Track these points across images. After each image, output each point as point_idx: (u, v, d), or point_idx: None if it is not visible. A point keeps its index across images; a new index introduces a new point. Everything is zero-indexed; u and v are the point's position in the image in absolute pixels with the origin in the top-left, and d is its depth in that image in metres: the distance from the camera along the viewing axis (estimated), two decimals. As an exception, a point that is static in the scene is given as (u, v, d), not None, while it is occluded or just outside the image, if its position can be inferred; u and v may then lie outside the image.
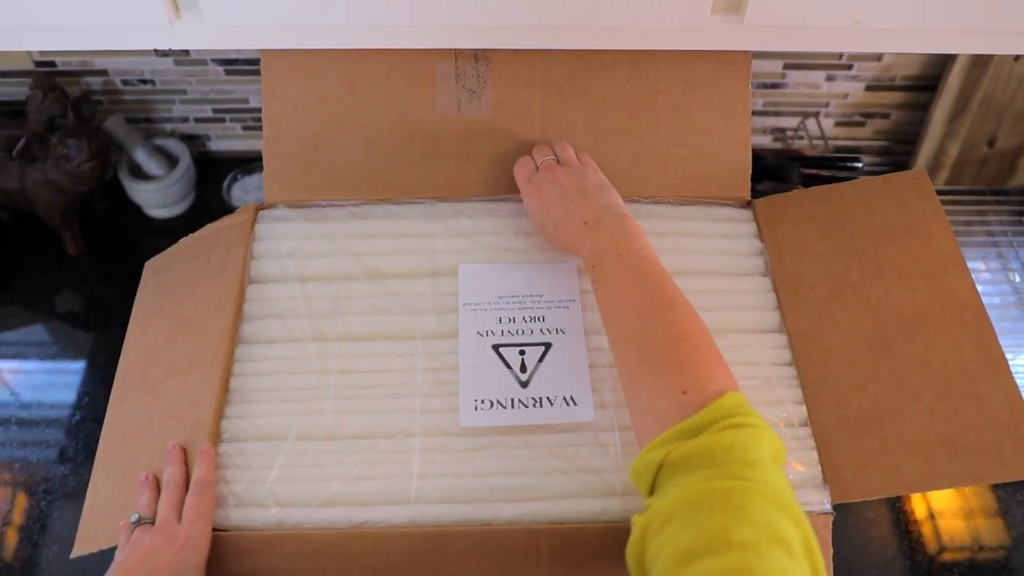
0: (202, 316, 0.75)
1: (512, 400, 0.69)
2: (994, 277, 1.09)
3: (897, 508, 0.85)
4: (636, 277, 0.65)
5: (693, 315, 0.62)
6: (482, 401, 0.69)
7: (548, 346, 0.73)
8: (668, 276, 0.65)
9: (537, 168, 0.77)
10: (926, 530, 0.84)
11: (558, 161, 0.77)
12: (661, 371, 0.58)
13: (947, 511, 0.85)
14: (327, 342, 0.73)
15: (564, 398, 0.69)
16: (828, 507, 0.64)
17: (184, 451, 0.67)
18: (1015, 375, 0.67)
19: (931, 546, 0.83)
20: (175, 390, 0.72)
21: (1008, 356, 0.68)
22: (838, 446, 0.66)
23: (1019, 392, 0.65)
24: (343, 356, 0.73)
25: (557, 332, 0.73)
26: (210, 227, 0.83)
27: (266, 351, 0.73)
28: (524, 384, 0.70)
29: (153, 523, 0.64)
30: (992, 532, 0.84)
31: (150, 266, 0.86)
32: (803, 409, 0.69)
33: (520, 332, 0.73)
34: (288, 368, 0.72)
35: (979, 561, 0.82)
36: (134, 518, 0.64)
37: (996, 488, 0.87)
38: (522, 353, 0.72)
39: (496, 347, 0.72)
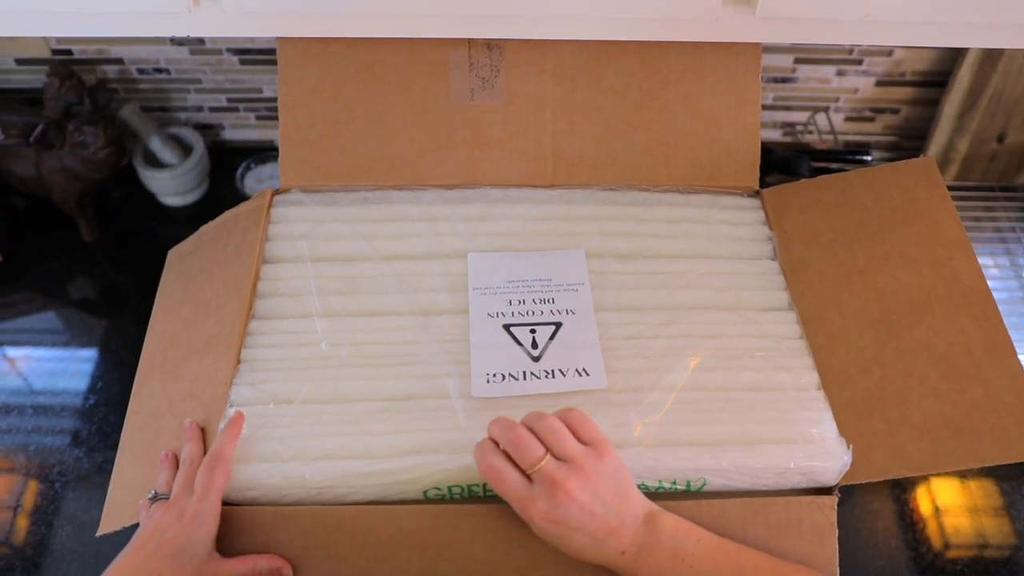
0: (219, 298, 0.76)
1: (524, 372, 0.69)
2: (1002, 272, 1.09)
3: (902, 500, 0.86)
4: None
5: (808, 573, 0.60)
6: (494, 375, 0.69)
7: (559, 325, 0.73)
8: (738, 546, 0.60)
9: (530, 478, 0.58)
10: (931, 525, 0.84)
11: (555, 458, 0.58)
12: None
13: (952, 507, 0.86)
14: (338, 317, 0.74)
15: (576, 369, 0.69)
16: (848, 461, 0.64)
17: (201, 429, 0.68)
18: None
19: (935, 540, 0.83)
20: (193, 370, 0.73)
21: (1021, 361, 0.68)
22: (844, 428, 0.66)
23: (1024, 375, 0.66)
24: (354, 330, 0.73)
25: (567, 312, 0.74)
26: (228, 214, 0.84)
27: (278, 326, 0.74)
28: (536, 359, 0.71)
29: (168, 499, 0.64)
30: (997, 528, 0.84)
31: (173, 254, 0.87)
32: (815, 376, 0.70)
33: (530, 313, 0.74)
34: (298, 341, 0.73)
35: (984, 557, 0.83)
36: (150, 495, 0.65)
37: (1001, 483, 0.87)
38: (533, 332, 0.72)
39: (507, 327, 0.73)
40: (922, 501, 0.86)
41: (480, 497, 0.64)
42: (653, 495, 0.62)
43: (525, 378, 0.69)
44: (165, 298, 0.83)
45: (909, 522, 0.84)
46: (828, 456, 0.64)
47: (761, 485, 0.65)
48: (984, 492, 0.87)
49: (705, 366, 0.70)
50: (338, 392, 0.69)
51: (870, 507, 0.86)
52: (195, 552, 0.60)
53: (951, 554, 0.82)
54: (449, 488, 0.64)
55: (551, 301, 0.74)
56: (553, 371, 0.70)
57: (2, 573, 0.80)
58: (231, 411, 0.67)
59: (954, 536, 0.84)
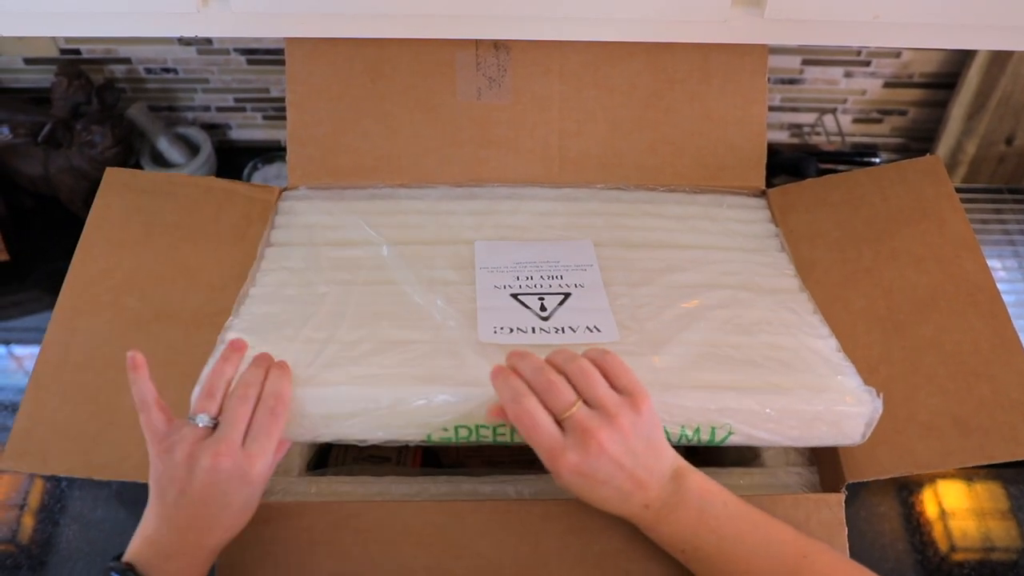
0: (214, 276, 0.76)
1: (533, 328, 0.67)
2: (1010, 275, 1.09)
3: (908, 502, 0.86)
4: (752, 548, 0.56)
5: (833, 554, 0.57)
6: (501, 327, 0.67)
7: (567, 295, 0.71)
8: (768, 517, 0.58)
9: (562, 427, 0.55)
10: (938, 528, 0.84)
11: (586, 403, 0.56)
12: None
13: (959, 509, 0.85)
14: (343, 286, 0.72)
15: (587, 327, 0.67)
16: (878, 409, 0.61)
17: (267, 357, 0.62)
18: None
19: (942, 543, 0.83)
20: (174, 338, 0.71)
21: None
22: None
23: (1032, 372, 0.65)
24: (359, 295, 0.71)
25: (576, 286, 0.72)
26: (216, 183, 0.83)
27: (279, 293, 0.72)
28: (545, 319, 0.69)
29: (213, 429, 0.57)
30: (1004, 531, 0.84)
31: (116, 178, 0.82)
32: (835, 341, 0.68)
33: (538, 286, 0.72)
34: (301, 300, 0.71)
35: (991, 560, 0.82)
36: (204, 421, 0.57)
37: (1008, 486, 0.87)
38: (541, 299, 0.71)
39: (515, 295, 0.71)
40: (929, 504, 0.86)
41: (488, 442, 0.62)
42: (674, 447, 0.60)
43: (534, 332, 0.67)
44: (114, 230, 0.79)
45: (916, 525, 0.84)
46: (857, 402, 0.61)
47: (786, 437, 0.62)
48: (991, 495, 0.87)
49: (722, 329, 0.68)
50: (340, 335, 0.67)
51: (876, 509, 0.85)
52: (255, 502, 0.58)
53: (957, 557, 0.82)
54: (456, 429, 0.61)
55: (559, 277, 0.73)
56: (563, 328, 0.67)
57: (8, 571, 0.80)
58: (252, 353, 0.63)
59: (961, 539, 0.83)
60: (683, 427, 0.61)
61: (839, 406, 0.61)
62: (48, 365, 0.70)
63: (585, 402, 0.55)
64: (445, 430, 0.61)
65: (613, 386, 0.56)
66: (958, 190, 1.12)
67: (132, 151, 1.05)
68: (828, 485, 0.66)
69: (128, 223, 0.79)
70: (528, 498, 0.65)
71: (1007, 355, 0.67)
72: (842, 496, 0.63)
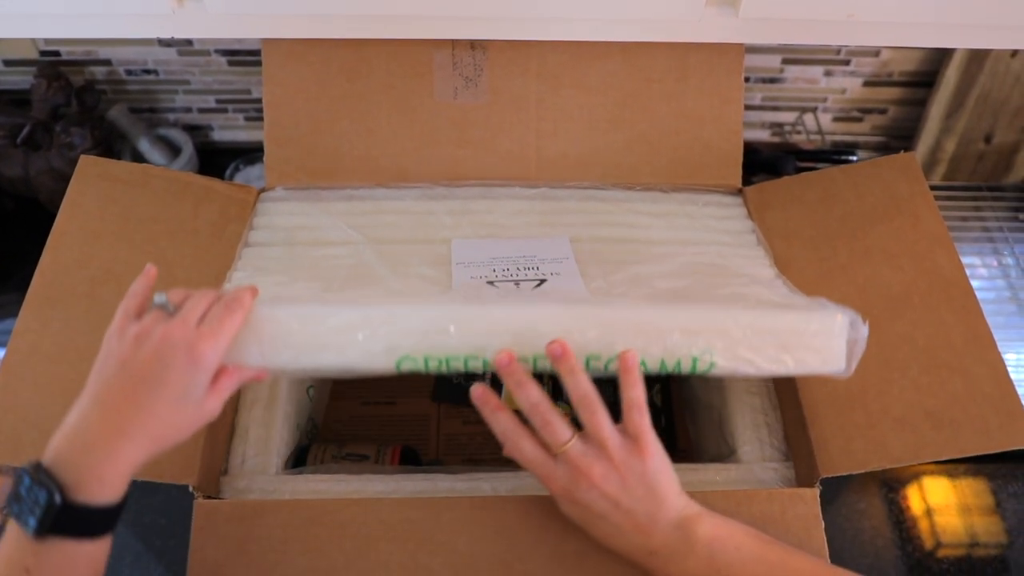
0: (190, 273, 0.75)
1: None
2: (990, 272, 1.09)
3: (889, 499, 0.86)
4: None
5: None
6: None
7: (543, 280, 0.70)
8: (786, 554, 0.56)
9: (555, 459, 0.56)
10: (920, 524, 0.84)
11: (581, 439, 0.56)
12: None
13: (940, 505, 0.86)
14: (319, 280, 0.71)
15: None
16: (864, 335, 0.59)
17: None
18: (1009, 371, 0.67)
19: (923, 539, 0.83)
20: None
21: (1000, 351, 0.68)
22: (825, 421, 0.66)
23: (1004, 366, 0.66)
24: (339, 288, 0.70)
25: (552, 274, 0.71)
26: (195, 179, 0.82)
27: (256, 279, 0.72)
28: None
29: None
30: (985, 527, 0.85)
31: (90, 167, 0.81)
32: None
33: (514, 275, 0.71)
34: (273, 283, 0.70)
35: (972, 556, 0.83)
36: (162, 299, 0.56)
37: (989, 481, 0.88)
38: (516, 284, 0.70)
39: (490, 282, 0.70)
40: (911, 500, 0.86)
41: (460, 382, 0.61)
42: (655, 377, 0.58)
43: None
44: (90, 220, 0.78)
45: (896, 521, 0.84)
46: (838, 320, 0.59)
47: (771, 362, 0.59)
48: (972, 491, 0.87)
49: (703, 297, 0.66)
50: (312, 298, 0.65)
51: (856, 507, 0.86)
52: (197, 393, 0.53)
53: (939, 553, 0.83)
54: (425, 360, 0.59)
55: (535, 268, 0.72)
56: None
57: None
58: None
59: (942, 535, 0.84)
60: (663, 359, 0.59)
61: (818, 324, 0.59)
62: (19, 354, 0.70)
63: (583, 438, 0.55)
64: (412, 360, 0.59)
65: (624, 424, 0.56)
66: (937, 188, 1.13)
67: (112, 153, 1.05)
68: (803, 480, 0.67)
69: (103, 214, 0.78)
70: (504, 494, 0.65)
71: (979, 349, 0.67)
72: (817, 491, 0.64)
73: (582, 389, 0.55)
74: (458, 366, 0.59)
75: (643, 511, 0.55)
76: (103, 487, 0.49)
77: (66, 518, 0.48)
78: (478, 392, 0.57)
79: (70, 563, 0.49)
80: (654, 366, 0.58)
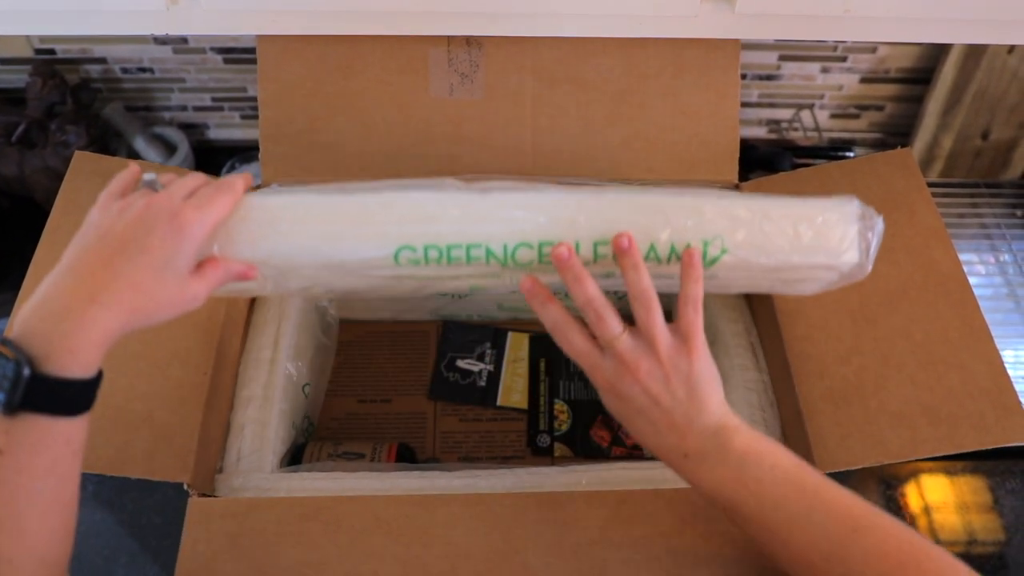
0: None
1: None
2: (987, 269, 1.09)
3: (888, 495, 0.86)
4: (793, 516, 0.52)
5: (888, 530, 0.51)
6: None
7: None
8: (822, 484, 0.53)
9: (603, 352, 0.55)
10: (920, 523, 0.84)
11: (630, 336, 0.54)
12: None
13: (939, 503, 0.86)
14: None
15: None
16: (880, 229, 0.58)
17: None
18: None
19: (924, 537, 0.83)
20: (144, 331, 0.68)
21: (998, 348, 0.68)
22: (822, 417, 0.66)
23: (1001, 360, 0.66)
24: None
25: None
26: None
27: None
28: None
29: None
30: (983, 524, 0.84)
31: (85, 162, 0.80)
32: None
33: None
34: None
35: (971, 553, 0.82)
36: (149, 178, 0.54)
37: (988, 477, 0.87)
38: None
39: None
40: (909, 497, 0.86)
41: (461, 270, 0.57)
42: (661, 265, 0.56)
43: None
44: (81, 213, 0.72)
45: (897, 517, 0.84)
46: (846, 208, 0.57)
47: (780, 253, 0.56)
48: (970, 488, 0.87)
49: None
50: None
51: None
52: (179, 266, 0.50)
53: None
54: (425, 250, 0.55)
55: None
56: None
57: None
58: None
59: (940, 532, 0.84)
60: (672, 245, 0.55)
61: (831, 208, 0.57)
62: None
63: (634, 333, 0.54)
64: (412, 249, 0.55)
65: (677, 322, 0.54)
66: (935, 185, 1.13)
67: (108, 151, 1.04)
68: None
69: None
70: (502, 492, 0.65)
71: (976, 343, 0.67)
72: None
73: (643, 284, 0.53)
74: (460, 257, 0.56)
75: (682, 412, 0.53)
76: (75, 359, 0.46)
77: (36, 392, 0.45)
78: (527, 284, 0.55)
79: (44, 442, 0.46)
80: (664, 252, 0.55)
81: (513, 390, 0.92)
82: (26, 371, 0.44)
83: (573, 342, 0.55)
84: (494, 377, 0.93)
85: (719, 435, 0.54)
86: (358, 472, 0.67)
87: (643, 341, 0.54)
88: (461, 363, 0.95)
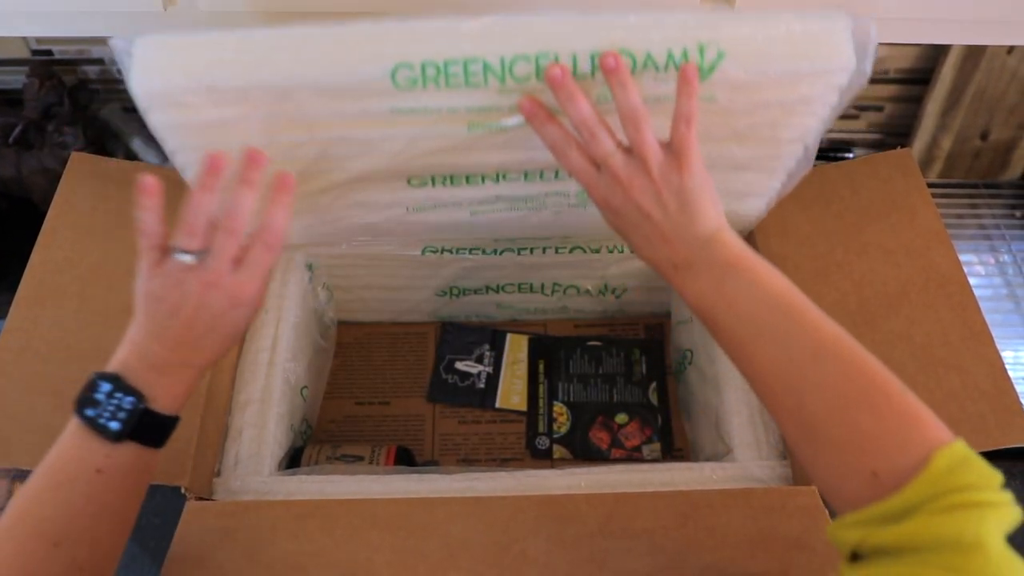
0: None
1: None
2: (986, 270, 1.09)
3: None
4: (761, 332, 0.51)
5: (853, 359, 0.49)
6: None
7: None
8: (804, 309, 0.51)
9: (599, 168, 0.56)
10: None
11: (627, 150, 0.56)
12: (836, 450, 0.46)
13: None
14: None
15: None
16: (875, 36, 0.56)
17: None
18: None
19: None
20: None
21: (998, 349, 0.68)
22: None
23: (1002, 362, 0.66)
24: None
25: None
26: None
27: None
28: None
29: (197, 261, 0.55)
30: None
31: (81, 163, 0.80)
32: None
33: None
34: None
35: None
36: (187, 258, 0.54)
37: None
38: None
39: None
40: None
41: (459, 97, 0.57)
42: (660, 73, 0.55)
43: None
44: (78, 215, 0.78)
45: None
46: (847, 22, 0.56)
47: (779, 60, 0.56)
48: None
49: None
50: None
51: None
52: (244, 322, 0.57)
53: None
54: (422, 67, 0.55)
55: None
56: None
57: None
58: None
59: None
60: (669, 50, 0.55)
61: (821, 21, 0.56)
62: (9, 352, 0.70)
63: (626, 148, 0.55)
64: (409, 67, 0.55)
65: (670, 136, 0.55)
66: (934, 185, 1.13)
67: (105, 152, 1.04)
68: (800, 479, 0.66)
69: (94, 211, 0.78)
70: (501, 494, 0.64)
71: (976, 345, 0.67)
72: (814, 488, 0.63)
73: (632, 102, 0.53)
74: (457, 75, 0.56)
75: (672, 224, 0.54)
76: (172, 403, 0.54)
77: (143, 425, 0.52)
78: (527, 104, 0.57)
79: (136, 468, 0.54)
80: (661, 59, 0.55)
81: (512, 392, 0.92)
82: (142, 406, 0.52)
83: (571, 159, 0.56)
84: (493, 379, 0.93)
85: (708, 246, 0.54)
86: (356, 475, 0.67)
87: (635, 159, 0.54)
88: (460, 365, 0.94)
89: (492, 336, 0.97)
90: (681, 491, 0.63)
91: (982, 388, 0.65)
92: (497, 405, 0.92)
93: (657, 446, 0.87)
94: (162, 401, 0.53)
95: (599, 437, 0.88)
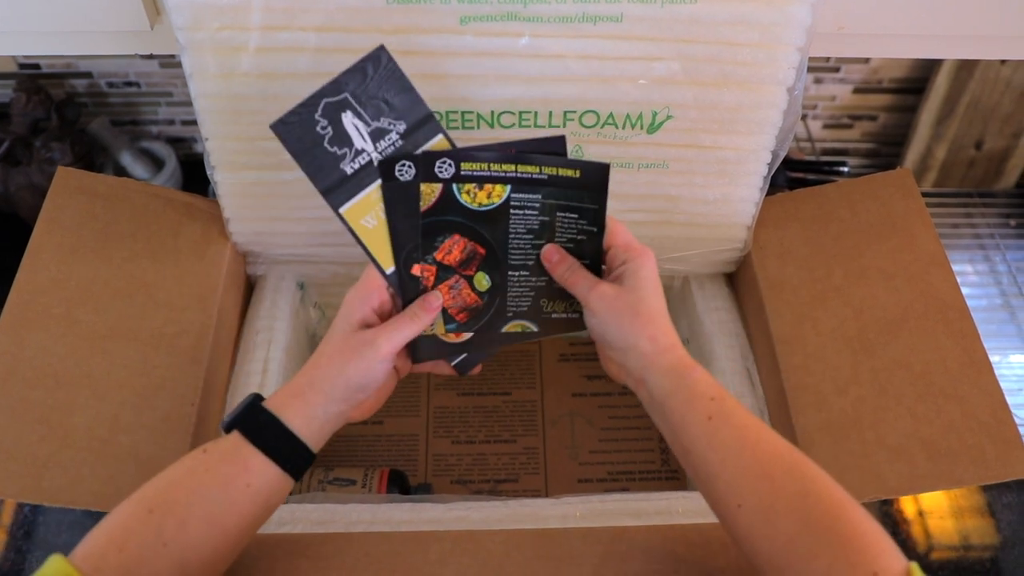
0: (172, 295, 0.75)
1: None
2: (981, 279, 1.09)
3: (883, 501, 0.85)
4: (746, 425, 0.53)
5: (739, 431, 0.52)
6: None
7: None
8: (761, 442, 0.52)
9: None
10: (915, 530, 0.84)
11: None
12: (838, 546, 0.47)
13: (935, 510, 0.85)
14: None
15: None
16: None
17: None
18: (1000, 377, 0.66)
19: (918, 542, 0.83)
20: (129, 358, 0.70)
21: (994, 359, 0.68)
22: (819, 450, 0.65)
23: (1001, 392, 0.65)
24: None
25: None
26: (175, 195, 0.82)
27: None
28: None
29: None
30: (978, 530, 0.84)
31: (68, 179, 0.79)
32: None
33: None
34: None
35: (968, 558, 0.82)
36: None
37: (984, 490, 0.87)
38: None
39: None
40: (904, 503, 0.85)
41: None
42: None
43: None
44: (66, 235, 0.76)
45: (890, 524, 0.84)
46: None
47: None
48: (966, 493, 0.86)
49: None
50: None
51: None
52: (374, 377, 0.58)
53: (933, 556, 0.82)
54: None
55: None
56: None
57: (-30, 600, 0.78)
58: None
59: (936, 537, 0.83)
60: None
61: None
62: None
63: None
64: None
65: None
66: (928, 195, 1.12)
67: (94, 167, 1.03)
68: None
69: (81, 229, 0.76)
70: (494, 526, 0.64)
71: (976, 374, 0.66)
72: None
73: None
74: None
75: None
76: (304, 425, 0.54)
77: (249, 418, 0.54)
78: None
79: (235, 457, 0.53)
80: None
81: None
82: (250, 399, 0.55)
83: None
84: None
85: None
86: (349, 504, 0.66)
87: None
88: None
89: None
90: (675, 525, 0.62)
91: (982, 419, 0.64)
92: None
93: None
94: (292, 421, 0.54)
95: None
